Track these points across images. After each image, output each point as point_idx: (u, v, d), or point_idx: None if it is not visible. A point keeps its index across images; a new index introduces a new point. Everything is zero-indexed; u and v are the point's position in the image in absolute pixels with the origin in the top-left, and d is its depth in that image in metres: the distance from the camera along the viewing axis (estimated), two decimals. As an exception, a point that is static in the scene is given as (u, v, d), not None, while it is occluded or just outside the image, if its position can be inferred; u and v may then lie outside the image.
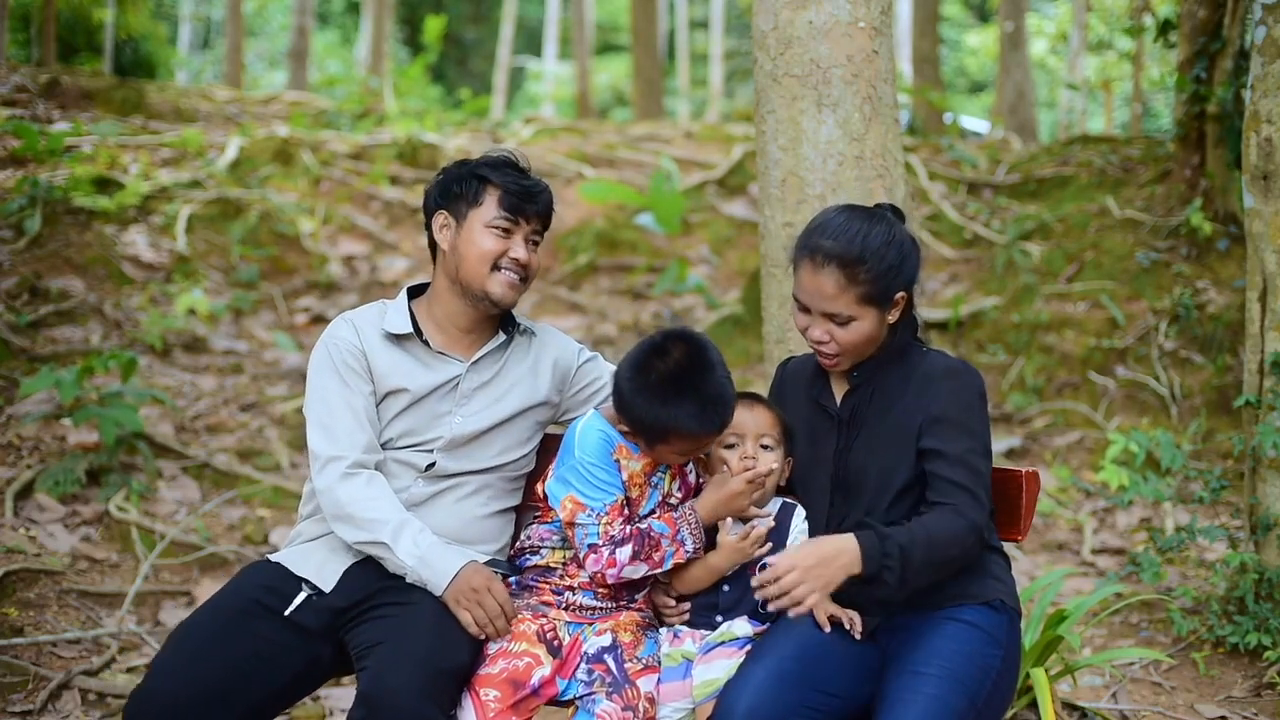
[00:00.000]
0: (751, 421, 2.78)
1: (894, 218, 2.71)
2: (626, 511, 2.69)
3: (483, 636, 2.65)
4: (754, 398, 2.85)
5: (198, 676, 2.55)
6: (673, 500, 2.78)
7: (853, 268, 2.60)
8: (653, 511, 2.74)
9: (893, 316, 2.69)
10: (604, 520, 2.66)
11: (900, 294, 2.67)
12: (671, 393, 2.60)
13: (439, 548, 2.69)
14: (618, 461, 2.71)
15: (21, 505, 5.03)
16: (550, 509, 2.77)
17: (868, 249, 2.61)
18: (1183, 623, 4.27)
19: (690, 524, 2.69)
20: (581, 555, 2.70)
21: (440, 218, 2.88)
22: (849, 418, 2.74)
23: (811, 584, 2.51)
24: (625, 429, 2.71)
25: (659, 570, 2.70)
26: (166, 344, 7.13)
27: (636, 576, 2.70)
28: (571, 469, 2.70)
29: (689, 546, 2.68)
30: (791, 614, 2.53)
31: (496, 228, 2.82)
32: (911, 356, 2.74)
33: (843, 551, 2.53)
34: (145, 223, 8.48)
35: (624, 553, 2.65)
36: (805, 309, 2.68)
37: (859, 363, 2.73)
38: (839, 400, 2.78)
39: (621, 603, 2.78)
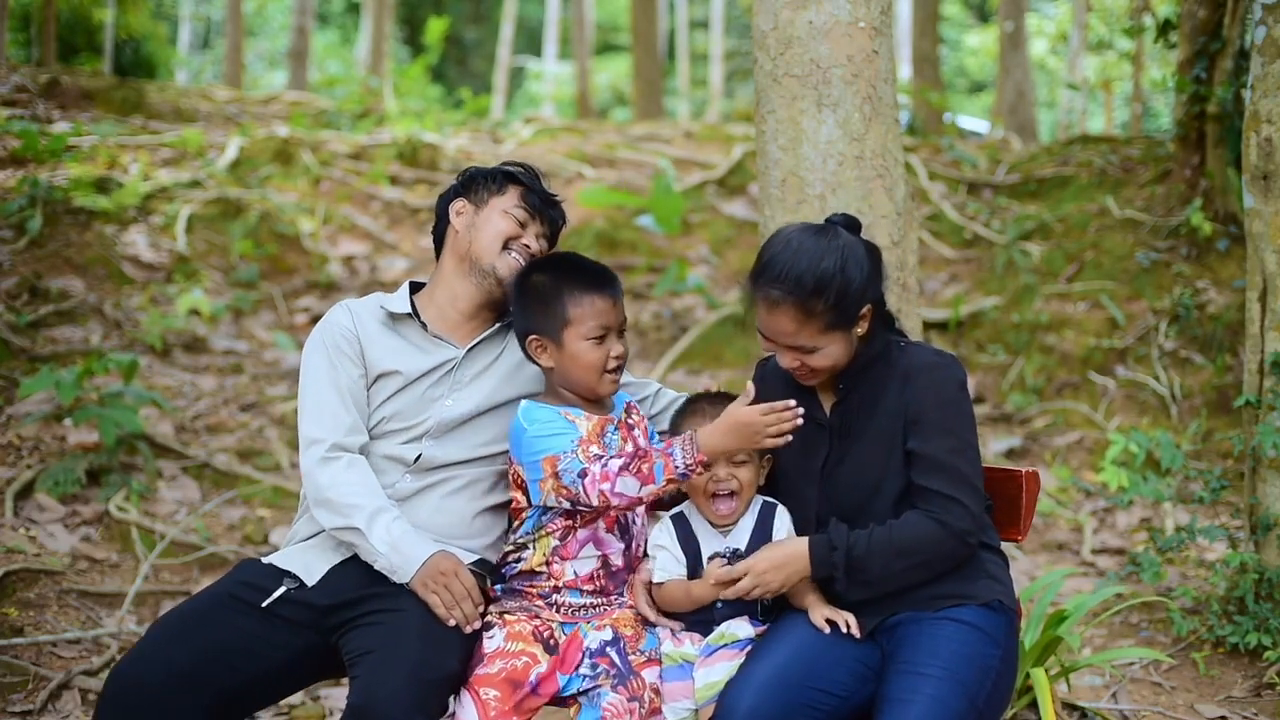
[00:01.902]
0: None
1: (847, 232, 2.65)
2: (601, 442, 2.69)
3: (452, 622, 2.64)
4: (720, 400, 2.77)
5: (166, 661, 2.59)
6: None
7: (808, 303, 2.56)
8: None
9: (862, 329, 2.66)
10: (581, 448, 2.66)
11: (865, 309, 2.64)
12: (555, 280, 2.76)
13: (411, 536, 2.71)
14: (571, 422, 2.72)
15: (21, 505, 5.03)
16: (521, 510, 2.77)
17: (821, 280, 2.56)
18: (1183, 623, 4.27)
19: (684, 442, 2.58)
20: (576, 492, 2.62)
21: (459, 204, 2.96)
22: (839, 426, 2.72)
23: (764, 588, 2.62)
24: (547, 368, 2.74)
25: (651, 487, 2.57)
26: (166, 344, 7.13)
27: (632, 494, 2.59)
28: (530, 442, 2.69)
29: (678, 461, 2.55)
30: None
31: (514, 216, 2.92)
32: (892, 354, 2.71)
33: (794, 558, 2.62)
34: (145, 223, 8.48)
35: (615, 463, 2.59)
36: (769, 340, 2.67)
37: (840, 372, 2.70)
38: (828, 410, 2.75)
39: (610, 598, 2.78)
